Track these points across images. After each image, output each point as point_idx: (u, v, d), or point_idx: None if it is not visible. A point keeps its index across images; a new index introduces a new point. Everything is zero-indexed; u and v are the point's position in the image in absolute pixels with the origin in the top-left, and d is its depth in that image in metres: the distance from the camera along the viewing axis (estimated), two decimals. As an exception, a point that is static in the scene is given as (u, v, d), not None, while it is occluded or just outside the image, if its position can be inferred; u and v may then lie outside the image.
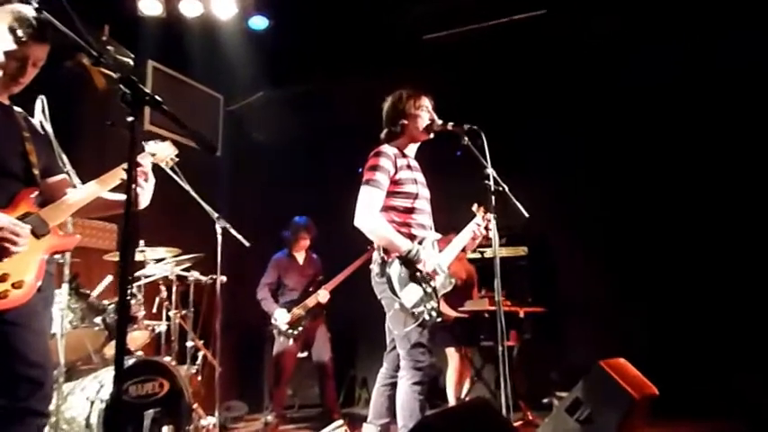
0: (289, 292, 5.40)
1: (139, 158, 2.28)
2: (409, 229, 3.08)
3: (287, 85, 6.32)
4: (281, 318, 5.16)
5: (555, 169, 5.90)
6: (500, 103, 5.82)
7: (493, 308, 4.30)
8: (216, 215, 4.20)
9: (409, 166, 3.19)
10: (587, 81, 5.70)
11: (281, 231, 5.63)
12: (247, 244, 4.28)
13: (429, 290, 3.00)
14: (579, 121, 5.85)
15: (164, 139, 2.58)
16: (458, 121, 3.12)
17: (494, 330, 2.80)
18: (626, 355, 3.72)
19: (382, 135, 3.30)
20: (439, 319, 2.99)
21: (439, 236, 3.35)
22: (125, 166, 2.15)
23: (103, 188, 2.31)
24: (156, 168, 2.49)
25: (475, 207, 3.46)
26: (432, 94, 3.34)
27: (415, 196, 3.13)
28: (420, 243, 3.05)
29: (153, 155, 2.45)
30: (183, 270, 4.55)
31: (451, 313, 5.12)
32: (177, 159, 2.62)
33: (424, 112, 3.25)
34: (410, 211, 3.12)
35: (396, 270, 2.92)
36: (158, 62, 5.78)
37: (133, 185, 2.12)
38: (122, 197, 2.24)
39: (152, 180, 2.32)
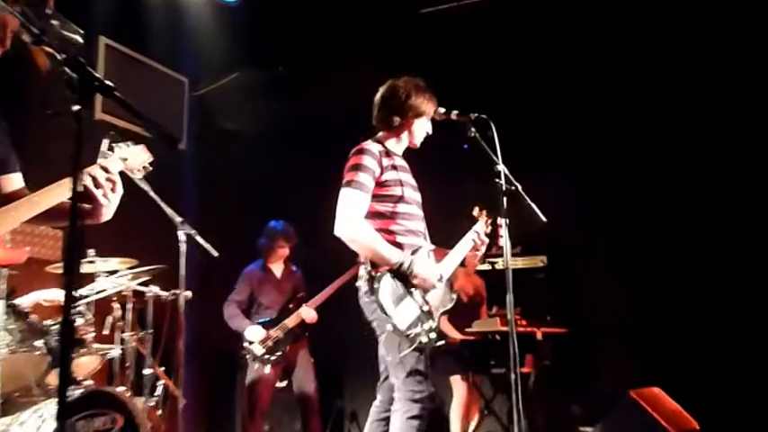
0: (264, 311, 5.41)
1: (107, 163, 2.27)
2: (394, 236, 3.10)
3: (265, 67, 6.34)
4: (254, 335, 5.16)
5: (578, 165, 5.92)
6: (513, 88, 5.85)
7: (505, 328, 4.31)
8: (179, 220, 4.21)
9: (395, 167, 3.21)
10: (615, 61, 5.72)
11: (256, 239, 5.65)
12: (216, 254, 4.29)
13: (426, 308, 3.02)
14: (606, 109, 5.86)
15: (122, 133, 2.58)
16: (462, 109, 3.14)
17: (506, 355, 2.80)
18: (662, 383, 3.73)
19: (375, 122, 3.31)
20: (440, 343, 3.01)
21: (433, 246, 3.36)
22: (91, 170, 2.17)
23: (65, 192, 2.29)
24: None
25: (476, 211, 3.48)
26: (431, 76, 3.37)
27: (399, 198, 3.15)
28: (414, 253, 3.06)
29: (124, 160, 2.44)
30: (141, 284, 4.55)
31: (456, 335, 5.13)
32: (151, 168, 2.62)
33: (427, 120, 3.29)
34: (401, 216, 3.13)
35: (386, 286, 2.93)
36: (112, 39, 5.77)
37: (100, 193, 2.15)
38: (88, 204, 2.22)
39: (120, 191, 2.31)
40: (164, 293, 4.65)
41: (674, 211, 5.63)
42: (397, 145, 3.33)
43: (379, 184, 3.11)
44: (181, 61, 6.34)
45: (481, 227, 3.42)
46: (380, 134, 3.31)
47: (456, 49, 5.80)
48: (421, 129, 3.28)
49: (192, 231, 4.26)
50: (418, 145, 3.33)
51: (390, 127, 3.27)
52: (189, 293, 4.40)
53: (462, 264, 3.42)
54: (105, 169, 2.22)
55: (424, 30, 5.74)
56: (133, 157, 2.50)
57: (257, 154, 6.75)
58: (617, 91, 5.78)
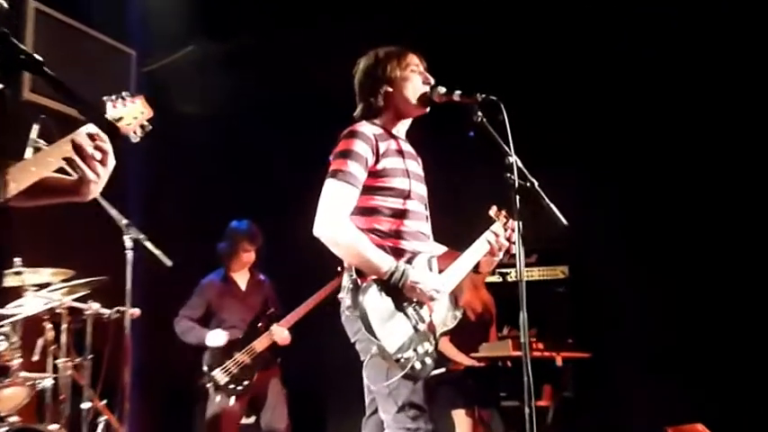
0: (227, 331, 5.39)
1: (91, 129, 2.22)
2: (398, 241, 3.09)
3: (228, 37, 6.32)
4: (216, 339, 5.19)
5: (607, 157, 5.95)
6: (529, 63, 5.86)
7: (518, 353, 4.31)
8: (125, 222, 4.19)
9: (400, 152, 3.19)
10: (657, 49, 5.75)
11: (217, 243, 5.63)
12: (169, 263, 4.27)
13: (422, 327, 3.00)
14: (639, 93, 5.90)
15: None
16: (467, 89, 3.13)
17: (519, 385, 2.78)
18: (704, 418, 3.74)
19: (356, 113, 3.31)
20: (439, 370, 3.00)
21: (442, 249, 3.35)
22: (75, 136, 2.13)
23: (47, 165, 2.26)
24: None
25: (493, 210, 3.48)
26: (424, 51, 3.36)
27: (407, 194, 3.14)
28: (409, 261, 3.05)
29: (117, 120, 2.39)
30: (78, 300, 4.52)
31: (461, 360, 5.14)
32: (150, 127, 2.59)
33: (416, 75, 3.28)
34: (400, 214, 3.12)
35: (373, 299, 2.91)
36: (44, 3, 5.74)
37: (85, 169, 2.12)
38: (73, 178, 2.18)
39: (111, 161, 2.28)
40: (106, 311, 4.62)
41: (724, 215, 5.67)
42: (398, 123, 3.31)
43: (375, 173, 3.08)
44: (127, 30, 6.31)
45: (500, 228, 3.41)
46: (374, 117, 3.29)
47: (463, 17, 5.81)
48: (409, 92, 3.26)
49: (141, 236, 4.25)
50: (424, 105, 3.27)
51: (380, 104, 3.27)
52: (136, 311, 4.39)
53: (476, 270, 3.40)
54: (92, 136, 2.17)
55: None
56: (129, 115, 2.45)
57: (219, 141, 6.73)
58: (656, 82, 5.84)
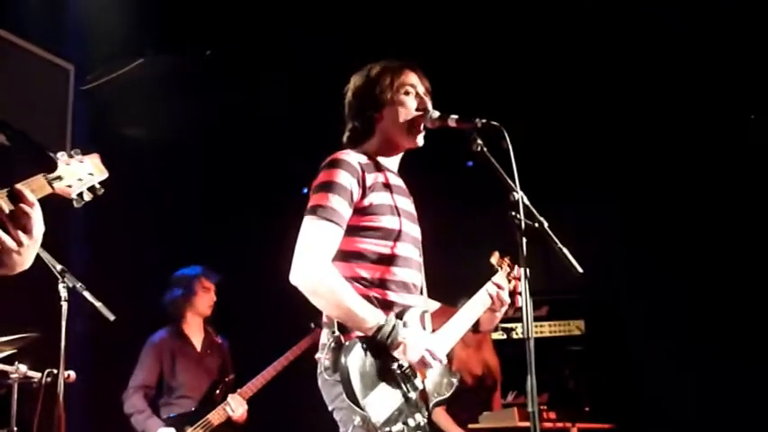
0: (178, 400, 5.37)
1: (23, 187, 2.20)
2: (384, 292, 3.09)
3: (183, 50, 6.35)
4: None
5: (630, 192, 6.01)
6: (533, 88, 5.94)
7: (526, 424, 4.30)
8: (59, 268, 4.18)
9: (387, 185, 3.20)
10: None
11: (164, 297, 5.62)
12: (112, 317, 4.26)
13: (413, 395, 3.00)
14: (663, 114, 5.99)
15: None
16: (467, 113, 3.17)
17: (527, 463, 2.80)
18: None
19: (344, 137, 3.32)
20: (432, 446, 2.99)
21: (436, 305, 3.34)
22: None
23: None
24: None
25: (495, 258, 3.46)
26: (423, 66, 3.39)
27: (395, 234, 3.13)
28: (399, 316, 3.05)
29: (54, 180, 2.37)
30: (1, 361, 4.48)
31: (454, 432, 5.13)
32: (103, 191, 2.59)
33: (410, 98, 3.29)
34: (388, 260, 3.12)
35: (357, 360, 2.90)
36: (-34, 11, 5.77)
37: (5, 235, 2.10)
38: None
39: (39, 227, 2.25)
40: (35, 374, 4.58)
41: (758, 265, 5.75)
42: (388, 155, 3.31)
43: (361, 210, 3.08)
44: (65, 42, 6.32)
45: (503, 279, 3.40)
46: (361, 143, 3.29)
47: (462, 28, 5.88)
48: (400, 116, 3.23)
49: (78, 284, 4.23)
50: (415, 134, 3.27)
51: (367, 130, 3.27)
52: (72, 374, 4.35)
53: (475, 329, 3.40)
54: (17, 194, 2.14)
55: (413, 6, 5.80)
56: (71, 175, 2.44)
57: (170, 171, 6.74)
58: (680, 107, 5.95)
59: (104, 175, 2.54)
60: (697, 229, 5.97)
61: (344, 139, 3.30)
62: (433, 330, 3.21)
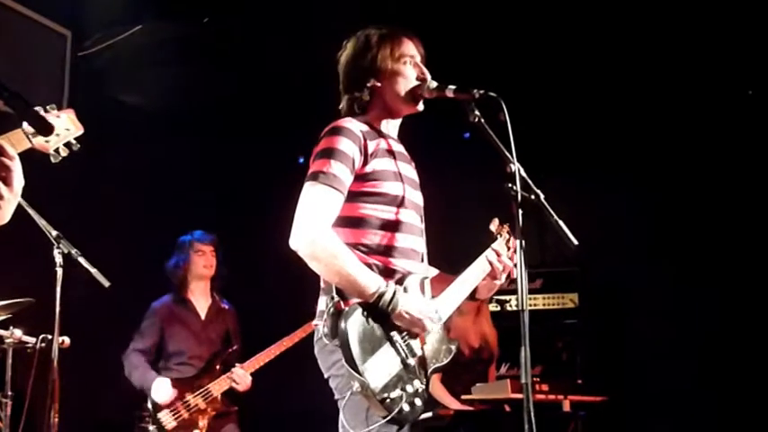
0: (178, 366, 5.39)
1: (8, 140, 2.22)
2: (385, 259, 3.09)
3: (181, 17, 6.32)
4: (162, 393, 5.15)
5: (627, 165, 6.00)
6: (533, 57, 5.91)
7: (519, 396, 4.32)
8: (54, 234, 4.17)
9: (390, 151, 3.19)
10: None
11: (164, 265, 5.62)
12: (107, 283, 4.26)
13: (412, 361, 3.01)
14: (662, 87, 5.97)
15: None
16: (464, 83, 3.16)
17: (520, 433, 2.82)
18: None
19: (341, 106, 3.32)
20: (427, 415, 3.00)
21: (434, 271, 3.34)
22: None
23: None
24: None
25: (494, 225, 3.46)
26: (420, 35, 3.38)
27: (397, 200, 3.13)
28: (399, 282, 3.05)
29: (32, 135, 2.39)
30: (-4, 326, 4.50)
31: (449, 404, 5.14)
32: (78, 146, 2.59)
33: (409, 67, 3.28)
34: (391, 226, 3.12)
35: (356, 325, 2.90)
36: (-40, -28, 5.73)
37: None
38: None
39: (19, 180, 2.26)
40: (30, 339, 4.59)
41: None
42: (388, 121, 3.31)
43: (363, 176, 3.07)
44: (62, 7, 6.28)
45: (502, 246, 3.40)
46: (360, 113, 3.29)
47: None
48: (400, 85, 3.24)
49: (74, 251, 4.22)
50: (415, 102, 3.28)
51: (366, 98, 3.27)
52: (66, 340, 4.35)
53: (473, 296, 3.40)
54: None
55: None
56: (50, 128, 2.45)
57: (169, 140, 6.72)
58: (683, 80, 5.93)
59: (80, 130, 2.57)
60: (693, 205, 5.97)
61: (343, 107, 3.29)
62: (433, 297, 3.21)
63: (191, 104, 6.68)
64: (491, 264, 3.35)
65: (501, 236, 3.41)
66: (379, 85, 3.24)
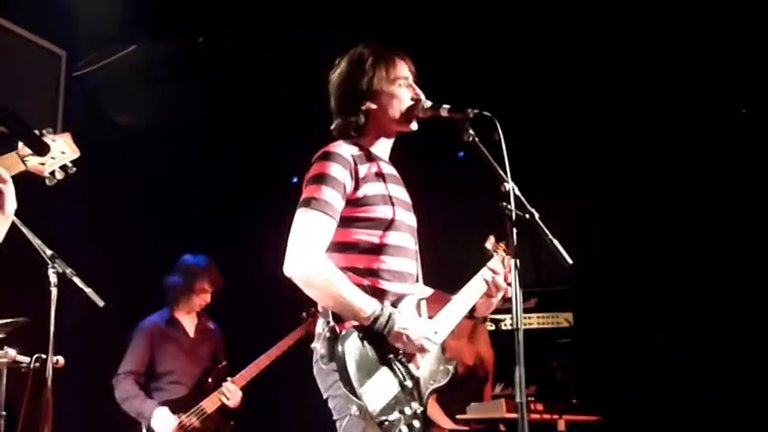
0: (169, 386, 5.38)
1: (1, 163, 2.21)
2: (381, 281, 3.09)
3: (175, 37, 6.34)
4: (163, 424, 5.12)
5: (622, 184, 6.02)
6: (526, 77, 5.93)
7: (513, 415, 4.30)
8: (49, 253, 4.17)
9: (380, 175, 3.20)
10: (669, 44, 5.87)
11: (162, 280, 5.61)
12: (101, 303, 4.25)
13: (409, 383, 3.01)
14: (656, 106, 6.00)
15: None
16: (459, 103, 3.17)
17: (514, 454, 2.81)
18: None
19: (333, 127, 3.32)
20: (425, 436, 2.99)
21: (429, 291, 3.34)
22: None
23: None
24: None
25: (490, 242, 3.46)
26: (411, 54, 3.39)
27: (389, 224, 3.13)
28: (395, 304, 3.06)
29: (25, 158, 2.38)
30: (-11, 346, 4.49)
31: (443, 424, 5.11)
32: (74, 169, 2.58)
33: (404, 89, 3.29)
34: (383, 250, 3.12)
35: (353, 349, 2.90)
36: (-46, -7, 5.74)
37: None
38: None
39: (12, 203, 2.25)
40: (24, 359, 4.57)
41: (755, 253, 5.77)
42: (380, 143, 3.31)
43: (354, 201, 3.08)
44: (56, 26, 6.30)
45: (498, 264, 3.39)
46: (352, 135, 3.29)
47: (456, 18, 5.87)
48: (395, 106, 3.25)
49: (68, 270, 4.22)
50: (403, 124, 3.28)
51: (360, 121, 3.26)
52: (60, 359, 4.34)
53: (471, 315, 3.39)
54: None
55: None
56: (46, 148, 2.43)
57: (164, 160, 6.72)
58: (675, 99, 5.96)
59: (76, 153, 2.57)
60: (686, 222, 5.98)
61: (336, 129, 3.29)
62: (430, 317, 3.21)
63: (184, 123, 6.68)
64: (487, 283, 3.35)
65: (497, 254, 3.41)
66: (374, 107, 3.24)
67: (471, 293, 3.33)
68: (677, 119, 6.06)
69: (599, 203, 5.85)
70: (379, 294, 3.04)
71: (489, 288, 3.34)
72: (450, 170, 6.07)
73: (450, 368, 3.17)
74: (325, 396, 3.04)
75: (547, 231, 3.04)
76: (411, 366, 3.03)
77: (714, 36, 5.59)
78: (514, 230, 2.94)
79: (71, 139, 2.55)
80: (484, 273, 3.36)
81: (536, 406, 5.05)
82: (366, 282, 3.05)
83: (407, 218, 3.22)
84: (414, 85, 3.28)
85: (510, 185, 2.97)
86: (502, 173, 2.99)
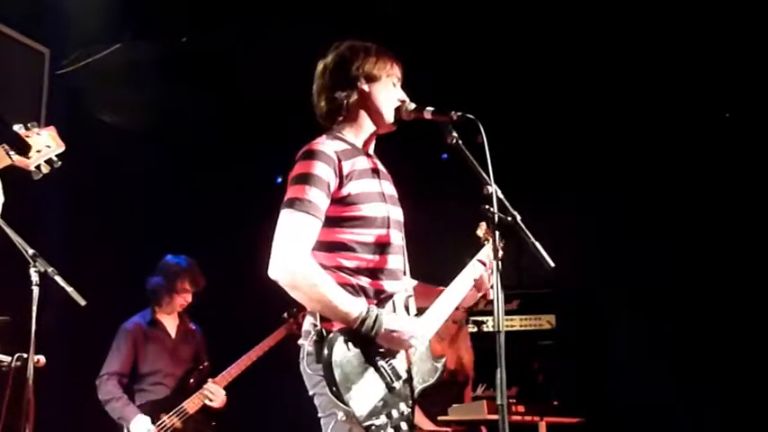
0: (152, 387, 5.37)
1: None
2: (371, 280, 3.06)
3: (160, 35, 6.33)
4: (143, 430, 5.12)
5: (603, 187, 6.04)
6: (509, 80, 5.95)
7: (495, 417, 4.31)
8: (31, 252, 4.15)
9: (365, 171, 3.16)
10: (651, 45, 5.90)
11: (145, 279, 5.60)
12: (83, 302, 4.24)
13: (397, 385, 3.00)
14: (640, 109, 6.03)
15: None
16: (442, 106, 3.18)
17: (495, 455, 2.81)
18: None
19: (319, 108, 3.25)
20: (413, 437, 2.99)
21: (414, 283, 3.29)
22: None
23: None
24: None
25: (481, 229, 3.44)
26: (401, 58, 3.39)
27: (376, 222, 3.09)
28: (381, 304, 3.04)
29: (13, 152, 2.38)
30: (-30, 345, 4.47)
31: (423, 426, 5.13)
32: (60, 163, 2.57)
33: (395, 88, 3.28)
34: (373, 248, 3.08)
35: (339, 353, 2.88)
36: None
37: None
38: None
39: None
40: (5, 358, 4.55)
41: (738, 254, 5.80)
42: (363, 135, 3.28)
43: (339, 200, 3.05)
44: (40, 25, 6.28)
45: (489, 255, 3.37)
46: (336, 126, 3.27)
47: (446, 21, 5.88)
48: (386, 99, 3.24)
49: (50, 269, 4.21)
50: (390, 120, 3.27)
51: (344, 111, 3.24)
52: (41, 358, 4.32)
53: (456, 307, 3.37)
54: None
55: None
56: (30, 148, 2.43)
57: (147, 159, 6.71)
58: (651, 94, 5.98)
59: (61, 147, 2.57)
60: (670, 225, 6.01)
61: (322, 109, 3.24)
62: (418, 311, 3.20)
63: (167, 122, 6.67)
64: (479, 272, 3.33)
65: (488, 241, 3.36)
66: (367, 91, 3.20)
67: (463, 284, 3.31)
68: (664, 124, 6.09)
69: (582, 207, 5.88)
70: (368, 293, 3.03)
71: (480, 281, 3.34)
72: (433, 172, 6.09)
73: (439, 366, 3.15)
74: (311, 393, 3.02)
75: (529, 234, 3.04)
76: (399, 367, 3.00)
77: (701, 42, 5.63)
78: (497, 233, 2.93)
79: (56, 132, 2.54)
80: (475, 266, 3.35)
81: (517, 408, 5.06)
82: (355, 281, 3.03)
83: (394, 213, 3.19)
84: (399, 86, 3.28)
85: (493, 188, 2.95)
86: (485, 175, 2.98)
